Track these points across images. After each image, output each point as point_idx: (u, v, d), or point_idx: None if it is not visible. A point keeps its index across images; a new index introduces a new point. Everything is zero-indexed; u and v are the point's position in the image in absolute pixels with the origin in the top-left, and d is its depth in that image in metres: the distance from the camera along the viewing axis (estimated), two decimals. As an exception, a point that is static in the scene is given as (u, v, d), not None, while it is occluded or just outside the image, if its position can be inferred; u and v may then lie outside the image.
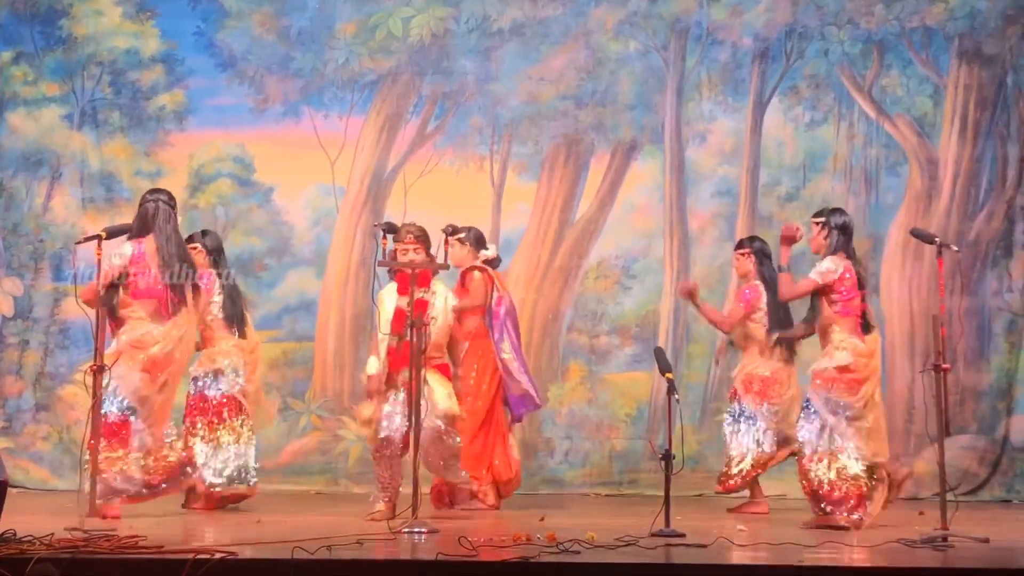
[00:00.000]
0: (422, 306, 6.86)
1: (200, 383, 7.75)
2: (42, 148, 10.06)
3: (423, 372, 6.59)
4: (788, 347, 7.94)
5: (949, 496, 6.15)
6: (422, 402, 6.50)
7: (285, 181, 10.05)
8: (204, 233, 8.02)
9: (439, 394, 7.01)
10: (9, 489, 5.67)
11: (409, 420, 6.47)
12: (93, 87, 10.11)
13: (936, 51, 9.95)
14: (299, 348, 9.92)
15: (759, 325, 7.97)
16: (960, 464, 9.24)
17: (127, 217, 8.59)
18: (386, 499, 7.00)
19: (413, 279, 6.62)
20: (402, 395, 6.97)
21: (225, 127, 10.06)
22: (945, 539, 5.86)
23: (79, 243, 6.90)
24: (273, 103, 10.07)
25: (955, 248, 6.66)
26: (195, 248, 7.71)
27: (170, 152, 10.06)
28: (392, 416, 7.01)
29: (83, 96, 10.10)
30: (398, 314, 6.98)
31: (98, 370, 6.27)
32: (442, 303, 7.13)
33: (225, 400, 7.74)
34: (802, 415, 6.99)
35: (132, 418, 6.72)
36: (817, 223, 7.13)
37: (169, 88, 10.10)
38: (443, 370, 7.19)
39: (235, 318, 7.78)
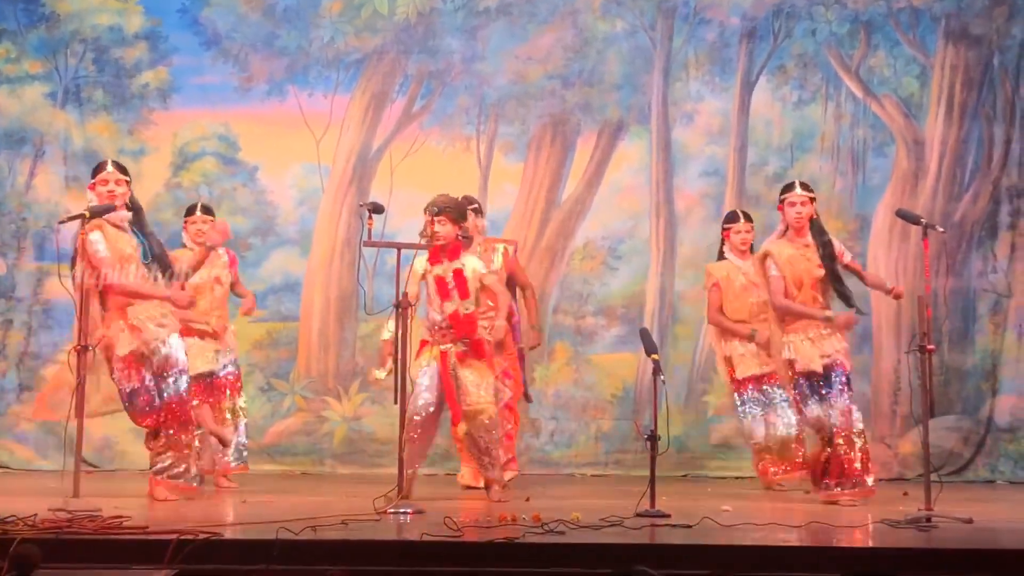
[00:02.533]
0: (460, 278, 6.91)
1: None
2: (25, 126, 9.99)
3: (452, 349, 6.80)
4: None
5: (933, 477, 6.16)
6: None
7: (270, 160, 10.00)
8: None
9: (477, 381, 6.95)
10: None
11: (395, 399, 6.45)
12: (76, 65, 10.03)
13: (923, 32, 9.94)
14: (283, 328, 9.88)
15: None
16: (945, 445, 9.27)
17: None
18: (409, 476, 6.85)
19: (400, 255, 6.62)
20: (431, 374, 6.93)
21: (209, 105, 10.00)
22: (929, 519, 5.87)
23: (62, 222, 6.85)
24: (258, 81, 10.01)
25: (941, 229, 6.65)
26: None
27: (154, 130, 9.99)
28: (419, 392, 6.92)
29: (66, 74, 10.02)
30: (441, 284, 6.94)
31: (82, 350, 6.23)
32: (471, 274, 7.04)
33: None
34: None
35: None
36: (812, 197, 7.14)
37: (153, 66, 10.03)
38: (479, 348, 7.03)
39: None
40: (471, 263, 7.09)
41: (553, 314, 9.86)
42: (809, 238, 7.19)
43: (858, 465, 6.96)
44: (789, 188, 7.28)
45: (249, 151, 10.00)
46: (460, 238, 7.11)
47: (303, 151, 9.96)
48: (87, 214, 6.55)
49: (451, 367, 6.93)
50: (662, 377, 6.52)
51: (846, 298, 7.16)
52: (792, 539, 5.43)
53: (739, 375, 8.07)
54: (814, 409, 7.03)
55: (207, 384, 7.78)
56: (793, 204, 7.17)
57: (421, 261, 7.06)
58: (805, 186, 7.27)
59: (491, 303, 7.20)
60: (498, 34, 10.04)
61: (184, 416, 6.88)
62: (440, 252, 7.03)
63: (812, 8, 9.95)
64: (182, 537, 4.85)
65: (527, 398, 8.31)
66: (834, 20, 9.94)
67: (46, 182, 9.91)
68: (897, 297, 7.40)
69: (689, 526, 5.65)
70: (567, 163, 10.00)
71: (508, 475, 7.59)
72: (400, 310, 6.43)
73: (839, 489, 6.94)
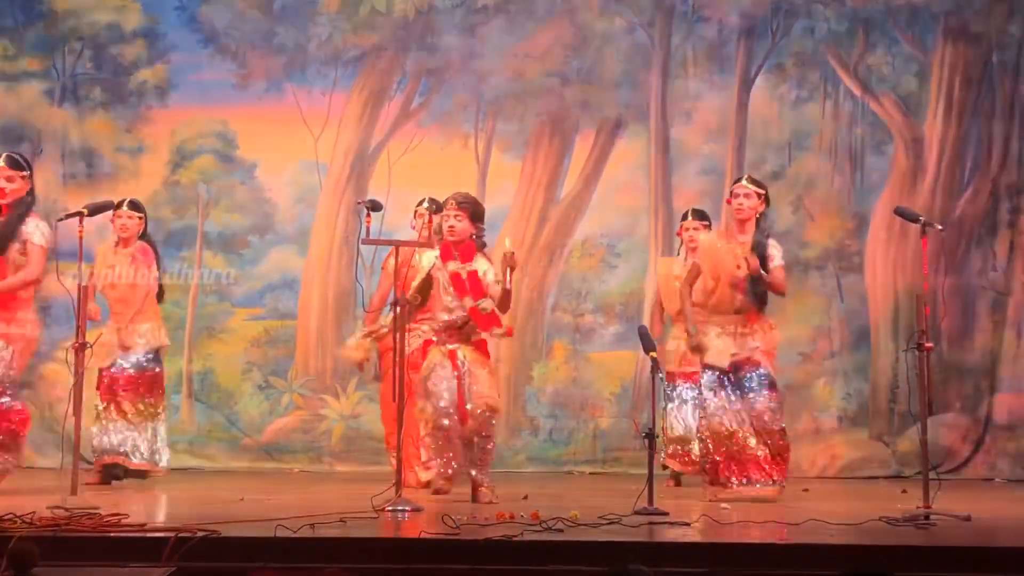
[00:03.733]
0: (475, 278, 6.80)
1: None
2: (23, 124, 9.98)
3: (462, 350, 6.77)
4: None
5: (932, 474, 6.16)
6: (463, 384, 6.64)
7: (268, 157, 9.99)
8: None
9: (485, 379, 6.88)
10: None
11: (393, 397, 6.43)
12: (74, 62, 10.02)
13: (922, 30, 9.94)
14: (281, 326, 9.88)
15: None
16: (943, 442, 9.27)
17: (109, 193, 8.56)
18: (447, 474, 6.84)
19: (399, 253, 6.61)
20: (444, 373, 6.84)
21: (207, 103, 9.99)
22: (927, 517, 5.87)
23: (60, 220, 6.84)
24: (256, 79, 10.01)
25: (939, 227, 6.63)
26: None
27: (152, 128, 9.99)
28: (438, 392, 6.82)
29: (64, 71, 10.01)
30: (457, 281, 6.85)
31: (80, 347, 6.23)
32: (482, 276, 6.88)
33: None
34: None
35: None
36: (760, 193, 7.11)
37: (151, 63, 10.02)
38: (482, 347, 6.96)
39: None
40: (482, 266, 6.91)
41: (551, 312, 9.86)
42: (750, 236, 7.07)
43: (765, 466, 6.94)
44: (737, 180, 7.26)
45: (247, 148, 9.99)
46: (473, 238, 6.97)
47: (301, 149, 9.96)
48: (85, 212, 6.54)
49: (460, 365, 6.87)
50: (660, 375, 6.51)
51: (756, 303, 7.06)
52: (790, 537, 5.43)
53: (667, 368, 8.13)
54: (712, 404, 7.00)
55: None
56: (736, 195, 7.11)
57: (429, 257, 6.96)
58: (754, 180, 7.19)
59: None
60: (496, 31, 10.03)
61: None
62: (452, 249, 6.90)
63: (811, 6, 9.94)
64: (180, 535, 4.84)
65: None
66: (833, 18, 9.94)
67: (44, 180, 9.86)
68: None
69: (687, 524, 5.64)
70: (565, 161, 10.00)
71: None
72: (399, 308, 6.41)
73: (736, 486, 6.93)
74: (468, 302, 6.84)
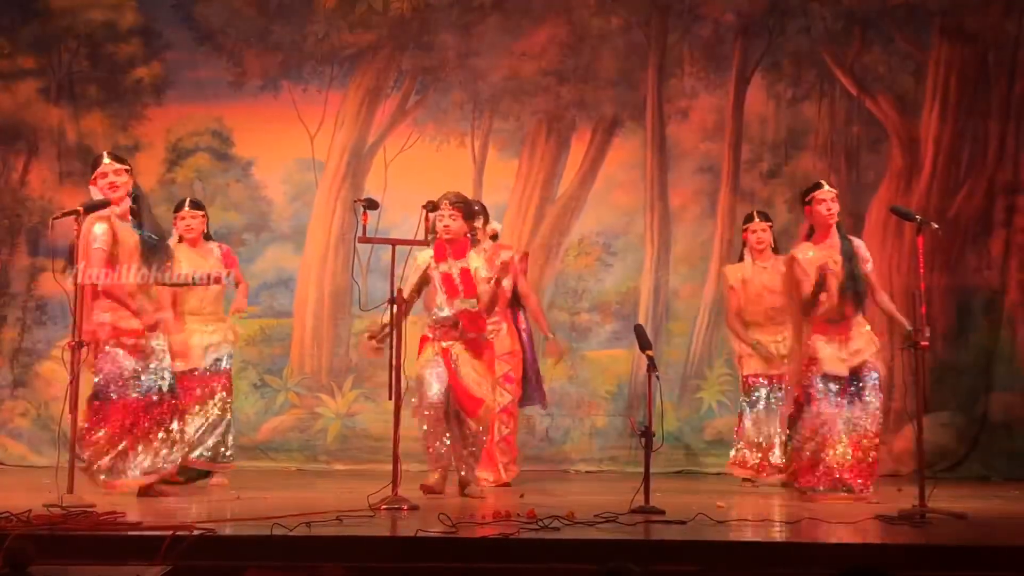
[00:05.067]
0: (467, 277, 6.85)
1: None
2: (19, 122, 9.97)
3: (455, 348, 6.79)
4: None
5: (927, 473, 6.16)
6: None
7: (264, 155, 9.98)
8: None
9: (479, 379, 6.92)
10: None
11: (389, 395, 6.43)
12: (70, 60, 10.00)
13: (918, 28, 9.94)
14: (277, 325, 9.87)
15: None
16: (938, 441, 9.27)
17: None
18: (439, 471, 6.90)
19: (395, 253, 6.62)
20: (440, 362, 6.88)
21: (203, 101, 9.97)
22: (923, 515, 5.88)
23: (56, 218, 6.83)
24: (252, 77, 9.99)
25: (935, 226, 6.63)
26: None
27: (147, 126, 9.97)
28: (429, 382, 6.88)
29: (60, 69, 9.99)
30: (448, 280, 6.88)
31: (77, 346, 6.23)
32: (475, 273, 6.95)
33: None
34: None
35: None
36: (837, 193, 7.17)
37: (147, 61, 10.00)
38: (474, 347, 6.98)
39: None
40: (475, 263, 6.98)
41: (548, 310, 9.84)
42: (836, 240, 7.12)
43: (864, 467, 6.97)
44: (818, 186, 7.21)
45: (243, 146, 9.98)
46: (468, 236, 7.04)
47: (297, 147, 9.95)
48: (81, 210, 6.53)
49: (453, 363, 6.89)
50: (656, 373, 6.52)
51: (859, 298, 7.09)
52: (786, 535, 5.44)
53: (744, 372, 8.15)
54: (822, 410, 6.98)
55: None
56: (823, 201, 7.11)
57: (424, 256, 7.00)
58: (829, 184, 7.24)
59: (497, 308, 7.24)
60: (493, 30, 10.03)
61: None
62: (446, 248, 6.96)
63: (807, 5, 9.95)
64: (176, 533, 4.84)
65: (543, 406, 8.42)
66: (829, 17, 9.94)
67: (40, 178, 9.89)
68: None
69: (683, 522, 5.65)
70: (562, 159, 10.00)
71: (510, 476, 7.74)
72: (395, 306, 6.41)
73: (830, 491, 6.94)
74: (459, 303, 6.88)
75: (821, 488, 6.92)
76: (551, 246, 9.92)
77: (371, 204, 6.55)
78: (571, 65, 10.00)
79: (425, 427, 6.90)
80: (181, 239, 7.76)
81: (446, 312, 6.92)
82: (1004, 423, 9.54)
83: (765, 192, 9.67)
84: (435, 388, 6.86)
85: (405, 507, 6.07)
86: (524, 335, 7.96)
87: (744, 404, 8.18)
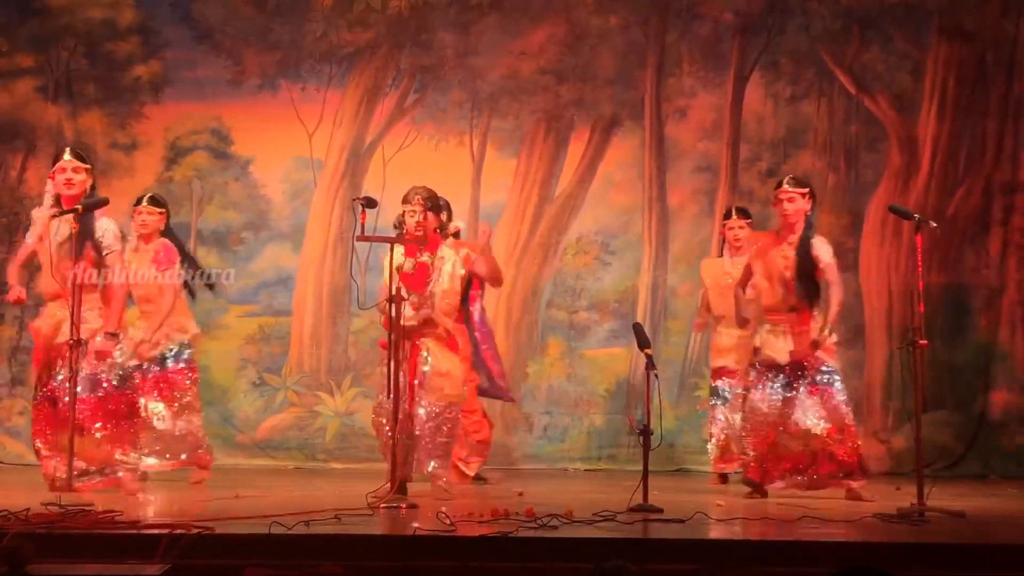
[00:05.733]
0: (423, 271, 6.81)
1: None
2: (17, 120, 9.96)
3: (425, 343, 6.75)
4: None
5: (926, 471, 6.17)
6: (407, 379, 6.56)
7: (262, 154, 9.98)
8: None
9: (443, 371, 6.86)
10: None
11: (387, 392, 6.43)
12: (68, 59, 10.00)
13: (916, 28, 9.95)
14: (276, 323, 9.87)
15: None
16: (937, 440, 9.28)
17: (103, 190, 8.50)
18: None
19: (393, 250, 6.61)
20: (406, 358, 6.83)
21: (201, 99, 9.97)
22: (921, 514, 5.88)
23: (54, 216, 6.82)
24: (250, 75, 9.99)
25: (933, 224, 6.64)
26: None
27: (146, 124, 9.96)
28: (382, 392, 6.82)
29: (58, 67, 9.99)
30: (406, 278, 6.80)
31: (76, 343, 6.22)
32: (449, 268, 6.93)
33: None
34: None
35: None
36: (804, 193, 7.09)
37: (145, 60, 10.00)
38: (449, 345, 6.97)
39: None
40: (449, 257, 6.94)
41: (546, 309, 9.86)
42: (798, 236, 7.09)
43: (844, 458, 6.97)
44: (779, 184, 7.22)
45: (241, 145, 9.98)
46: (437, 231, 6.99)
47: (296, 145, 9.95)
48: (79, 208, 6.52)
49: (422, 359, 6.86)
50: (655, 372, 6.52)
51: (807, 294, 7.07)
52: (785, 534, 5.44)
53: (713, 366, 8.25)
54: (760, 400, 7.03)
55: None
56: (780, 201, 7.12)
57: (398, 254, 6.93)
58: (797, 181, 7.18)
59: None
60: (491, 29, 10.02)
61: None
62: (417, 244, 6.90)
63: (805, 4, 9.95)
64: (175, 532, 4.84)
65: (508, 399, 8.42)
66: (827, 16, 9.94)
67: (38, 176, 9.85)
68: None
69: (682, 521, 5.65)
70: (560, 158, 10.00)
71: (472, 471, 7.67)
72: (392, 304, 6.41)
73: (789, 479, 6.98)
74: (413, 297, 6.81)
75: (770, 482, 6.97)
76: (549, 245, 9.92)
77: (369, 203, 6.55)
78: (570, 64, 10.00)
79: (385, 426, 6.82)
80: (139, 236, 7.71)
81: (408, 308, 6.87)
82: (1002, 422, 9.56)
83: (763, 191, 9.65)
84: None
85: (404, 506, 6.08)
86: (477, 332, 7.85)
87: (714, 400, 8.20)
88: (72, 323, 6.25)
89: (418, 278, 6.87)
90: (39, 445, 6.66)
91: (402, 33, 10.04)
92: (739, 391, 7.92)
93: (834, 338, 7.08)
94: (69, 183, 6.67)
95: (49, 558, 4.59)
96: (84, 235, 6.51)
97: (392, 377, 6.37)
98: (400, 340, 6.47)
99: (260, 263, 9.92)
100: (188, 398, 7.73)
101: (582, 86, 10.01)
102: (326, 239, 9.92)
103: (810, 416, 6.93)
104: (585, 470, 9.50)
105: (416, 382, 6.84)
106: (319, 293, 9.90)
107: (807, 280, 7.02)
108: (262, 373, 9.81)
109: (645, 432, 6.35)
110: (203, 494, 7.07)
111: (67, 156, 6.74)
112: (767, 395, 7.03)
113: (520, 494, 6.97)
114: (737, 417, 7.78)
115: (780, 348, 7.03)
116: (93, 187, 6.82)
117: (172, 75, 9.98)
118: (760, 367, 7.07)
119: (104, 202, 6.82)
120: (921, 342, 6.16)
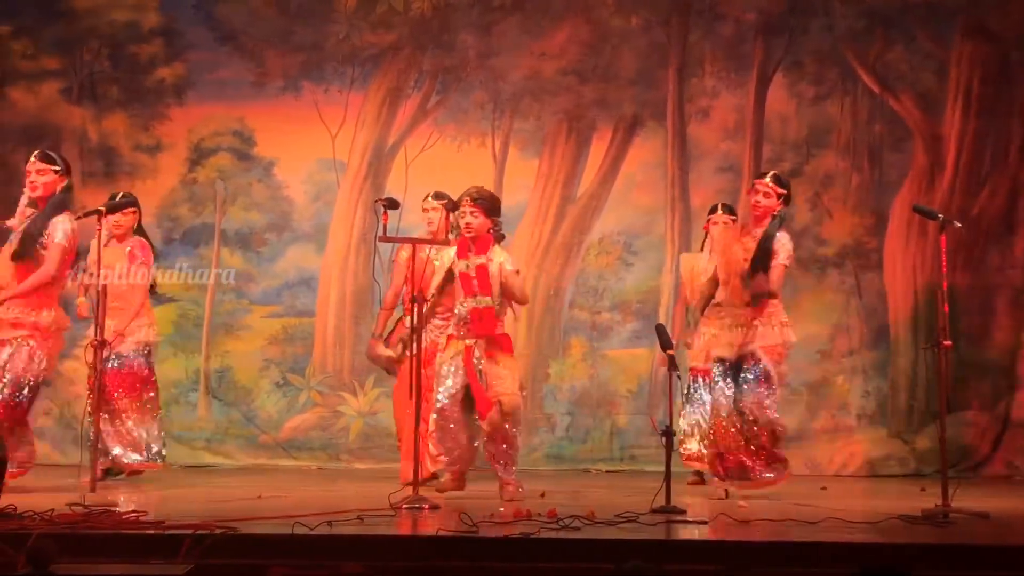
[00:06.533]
0: (483, 272, 6.80)
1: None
2: (42, 122, 10.02)
3: (478, 344, 6.74)
4: None
5: (950, 472, 6.14)
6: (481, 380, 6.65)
7: (285, 155, 10.01)
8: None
9: (502, 374, 6.81)
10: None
11: (410, 394, 6.44)
12: (92, 61, 10.05)
13: (940, 26, 9.89)
14: (299, 324, 9.89)
15: None
16: (961, 440, 9.23)
17: (128, 190, 8.56)
18: (451, 471, 6.86)
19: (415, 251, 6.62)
20: (455, 365, 6.84)
21: (225, 101, 10.00)
22: (946, 515, 5.86)
23: (79, 218, 6.87)
24: (273, 77, 10.02)
25: (958, 224, 6.60)
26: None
27: (169, 126, 10.01)
28: (443, 381, 6.83)
29: (82, 70, 10.04)
30: (465, 279, 6.83)
31: (99, 344, 6.26)
32: (496, 269, 6.85)
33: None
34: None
35: None
36: (780, 193, 7.09)
37: (168, 62, 10.04)
38: (503, 343, 6.91)
39: None
40: (498, 258, 6.90)
41: (568, 309, 9.85)
42: (761, 232, 7.06)
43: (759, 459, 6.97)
44: (760, 176, 7.26)
45: (264, 146, 10.01)
46: (491, 232, 6.94)
47: (318, 147, 9.97)
48: (103, 210, 6.56)
49: (475, 361, 6.85)
50: (677, 373, 6.51)
51: (756, 288, 7.01)
52: (808, 535, 5.42)
53: (690, 363, 8.17)
54: (710, 395, 7.13)
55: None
56: (756, 192, 7.12)
57: (448, 256, 6.97)
58: (778, 179, 7.16)
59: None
60: (513, 29, 10.02)
61: None
62: (469, 245, 6.89)
63: (828, 3, 9.91)
64: (198, 532, 4.85)
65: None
66: (850, 15, 9.90)
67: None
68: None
69: (705, 522, 5.63)
70: (582, 159, 9.99)
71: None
72: (415, 304, 6.42)
73: (728, 480, 6.99)
74: (470, 301, 6.82)
75: (723, 476, 7.00)
76: (572, 245, 9.91)
77: (392, 204, 6.56)
78: (591, 64, 9.99)
79: (432, 428, 6.85)
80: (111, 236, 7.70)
81: (462, 310, 6.89)
82: (1028, 422, 9.49)
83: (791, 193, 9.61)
84: (447, 387, 6.82)
85: (426, 506, 6.08)
86: None
87: (684, 397, 8.15)
88: (96, 324, 6.28)
89: (481, 281, 6.82)
90: None
91: (424, 35, 10.05)
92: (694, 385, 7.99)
93: (790, 336, 7.07)
94: (33, 185, 6.82)
95: (73, 558, 4.61)
96: (37, 235, 6.69)
97: (414, 375, 6.37)
98: (421, 339, 6.46)
99: (283, 264, 9.95)
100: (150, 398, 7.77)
101: (604, 86, 10.00)
102: (349, 240, 9.94)
103: (752, 409, 6.94)
104: (607, 471, 9.49)
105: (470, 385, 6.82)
106: (342, 294, 9.92)
107: (761, 275, 6.97)
108: (285, 374, 9.84)
109: (668, 433, 6.34)
110: (226, 494, 7.10)
111: (32, 158, 6.91)
112: (718, 390, 7.07)
113: (542, 495, 6.96)
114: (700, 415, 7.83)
115: (731, 343, 7.02)
116: (69, 187, 6.96)
117: (195, 77, 10.02)
118: (719, 364, 7.09)
119: (129, 203, 6.88)
120: (945, 342, 6.13)
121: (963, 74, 9.81)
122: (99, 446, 6.96)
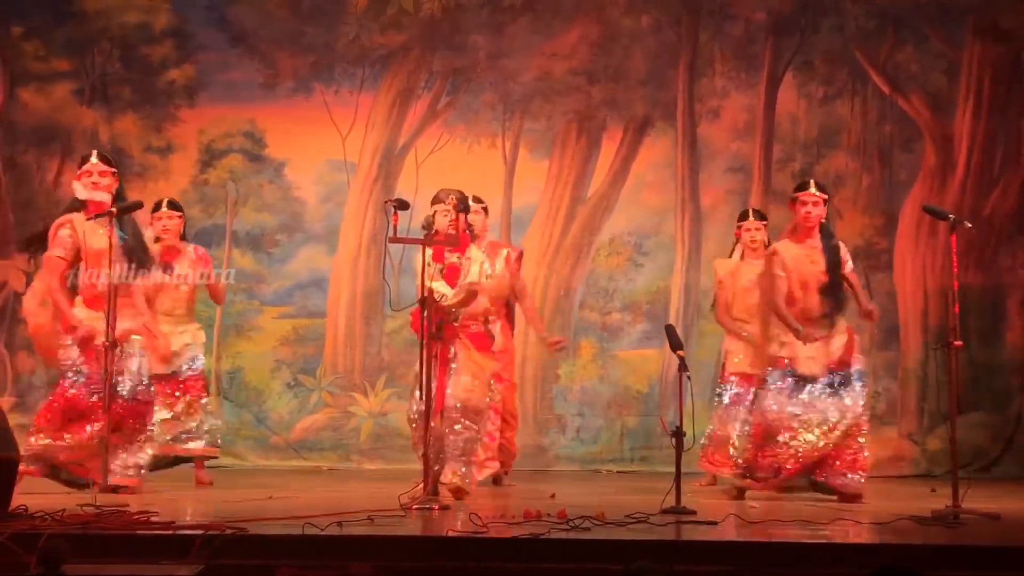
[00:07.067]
0: (453, 272, 6.79)
1: None
2: (53, 124, 10.05)
3: (456, 342, 6.70)
4: None
5: (961, 473, 6.12)
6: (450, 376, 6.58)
7: (296, 157, 10.03)
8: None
9: (463, 374, 6.77)
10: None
11: (420, 394, 6.44)
12: (104, 62, 10.08)
13: (951, 26, 9.88)
14: (310, 324, 9.91)
15: None
16: (973, 441, 9.21)
17: (138, 193, 8.60)
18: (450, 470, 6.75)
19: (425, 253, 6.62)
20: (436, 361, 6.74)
21: (236, 102, 10.02)
22: (956, 516, 5.84)
23: (90, 219, 6.89)
24: (284, 78, 10.04)
25: (969, 224, 6.58)
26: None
27: (180, 127, 10.03)
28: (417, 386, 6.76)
29: (94, 71, 10.07)
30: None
31: (112, 345, 6.28)
32: (477, 268, 6.82)
33: None
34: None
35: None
36: (826, 199, 7.07)
37: (179, 63, 10.06)
38: (478, 340, 6.88)
39: None
40: (478, 257, 6.86)
41: (579, 310, 9.86)
42: (818, 240, 7.07)
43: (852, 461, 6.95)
44: (803, 187, 7.18)
45: (275, 148, 10.03)
46: (465, 231, 6.91)
47: (329, 148, 9.99)
48: (114, 211, 6.58)
49: (450, 358, 6.81)
50: (687, 373, 6.50)
51: (838, 306, 7.03)
52: (818, 536, 5.41)
53: (728, 369, 8.01)
54: (775, 406, 6.97)
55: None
56: (805, 203, 7.08)
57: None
58: (820, 186, 7.14)
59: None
60: (523, 30, 10.03)
61: None
62: (448, 244, 6.83)
63: (839, 3, 9.90)
64: (208, 532, 4.86)
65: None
66: (861, 15, 9.89)
67: (74, 179, 9.93)
68: (868, 317, 7.26)
69: (715, 523, 5.63)
70: (592, 159, 9.99)
71: (485, 472, 7.37)
72: (426, 307, 6.42)
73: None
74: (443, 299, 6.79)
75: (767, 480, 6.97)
76: (582, 246, 9.91)
77: (402, 205, 6.57)
78: (602, 65, 9.99)
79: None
80: (158, 239, 7.73)
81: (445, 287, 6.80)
82: (1039, 423, 9.47)
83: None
84: (419, 393, 6.68)
85: (436, 507, 6.09)
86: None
87: (716, 400, 8.09)
88: (108, 325, 6.30)
89: (449, 280, 6.86)
90: None
91: (434, 36, 10.06)
92: (739, 392, 7.84)
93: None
94: (95, 185, 6.79)
95: (84, 558, 4.62)
96: (43, 243, 6.71)
97: (425, 377, 6.38)
98: (431, 341, 6.47)
99: (294, 265, 9.97)
100: (205, 402, 7.91)
101: (614, 87, 10.00)
102: (359, 241, 9.95)
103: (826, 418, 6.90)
104: (618, 472, 9.49)
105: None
106: (353, 294, 9.93)
107: (837, 285, 6.99)
108: (296, 374, 9.85)
109: (678, 434, 6.33)
110: (237, 495, 7.11)
111: (94, 159, 6.89)
112: (781, 399, 6.97)
113: (552, 496, 6.97)
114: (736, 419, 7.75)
115: (808, 356, 6.97)
116: (120, 191, 6.94)
117: (206, 78, 10.05)
118: (783, 373, 7.00)
119: (138, 205, 6.89)
120: (956, 343, 6.11)
121: (974, 74, 9.80)
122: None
